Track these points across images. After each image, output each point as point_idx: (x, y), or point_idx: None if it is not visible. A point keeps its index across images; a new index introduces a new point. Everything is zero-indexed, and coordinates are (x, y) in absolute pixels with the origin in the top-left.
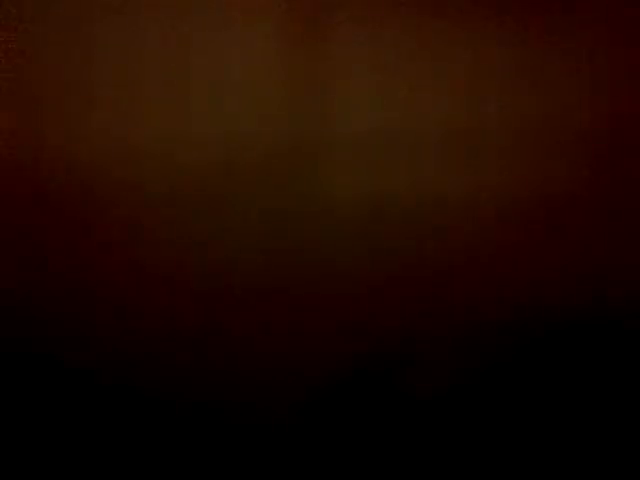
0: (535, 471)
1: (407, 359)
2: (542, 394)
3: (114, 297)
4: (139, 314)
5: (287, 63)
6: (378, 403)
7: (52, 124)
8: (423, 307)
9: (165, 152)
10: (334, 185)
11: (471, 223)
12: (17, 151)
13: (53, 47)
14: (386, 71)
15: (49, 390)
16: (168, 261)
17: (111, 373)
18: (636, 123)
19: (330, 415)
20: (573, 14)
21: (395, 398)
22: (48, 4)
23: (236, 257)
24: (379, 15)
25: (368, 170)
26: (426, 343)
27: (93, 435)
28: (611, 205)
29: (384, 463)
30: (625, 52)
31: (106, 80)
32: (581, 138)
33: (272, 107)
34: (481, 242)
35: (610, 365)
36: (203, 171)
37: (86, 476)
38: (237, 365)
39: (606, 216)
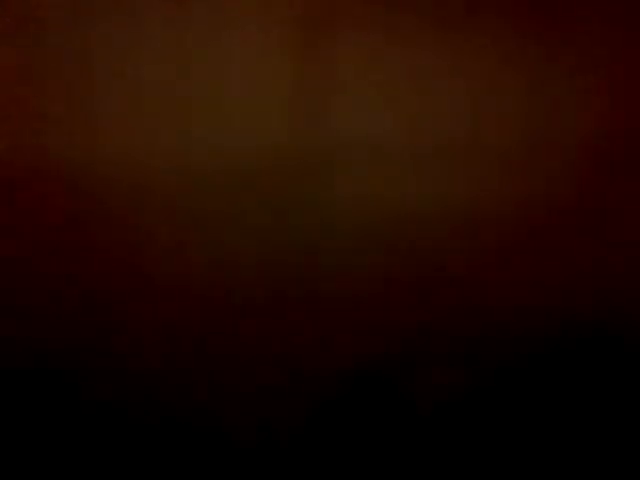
0: (538, 477)
1: (411, 365)
2: (545, 400)
3: (115, 303)
4: (140, 319)
5: (291, 70)
6: (381, 409)
7: (55, 130)
8: (427, 313)
9: (168, 157)
10: (339, 190)
11: (476, 230)
12: (19, 156)
13: (55, 53)
14: (392, 81)
15: (49, 397)
16: (171, 267)
17: (111, 381)
18: (635, 133)
19: (333, 421)
20: (573, 25)
21: (398, 404)
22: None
23: (239, 262)
24: (384, 24)
25: (374, 177)
26: (430, 350)
27: (94, 446)
28: (612, 214)
29: (387, 470)
30: (626, 61)
31: (108, 86)
32: (585, 147)
33: (278, 115)
34: (486, 249)
35: (614, 375)
36: (208, 175)
37: None
38: (239, 370)
39: (608, 224)
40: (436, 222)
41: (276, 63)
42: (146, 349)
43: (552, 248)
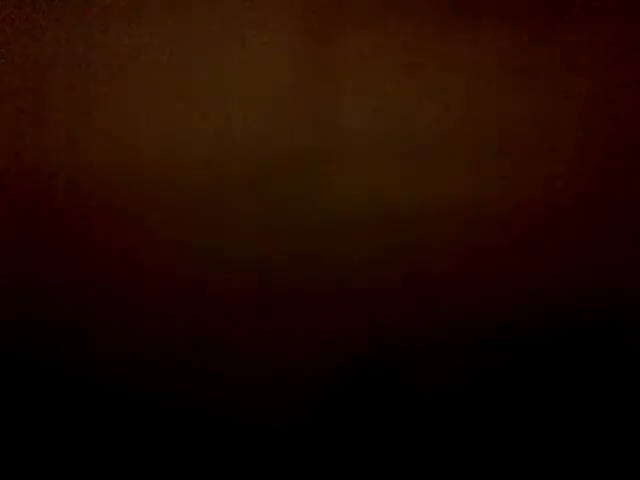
0: (537, 471)
1: (409, 360)
2: (544, 393)
3: (114, 301)
4: (138, 318)
5: (291, 71)
6: (379, 405)
7: (54, 127)
8: (425, 309)
9: (169, 158)
10: (340, 189)
11: (474, 227)
12: (18, 154)
13: (56, 49)
14: (393, 80)
15: (49, 393)
16: (170, 267)
17: (109, 377)
18: (634, 128)
19: (331, 417)
20: (573, 21)
21: (396, 400)
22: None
23: (238, 261)
24: (385, 23)
25: (379, 175)
26: (428, 344)
27: (94, 442)
28: (611, 209)
29: (385, 465)
30: (625, 58)
31: (109, 83)
32: (585, 147)
33: (278, 115)
34: (483, 245)
35: (612, 369)
36: (209, 175)
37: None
38: (238, 367)
39: (606, 221)
40: (436, 220)
41: (276, 63)
42: (145, 348)
43: (552, 247)
